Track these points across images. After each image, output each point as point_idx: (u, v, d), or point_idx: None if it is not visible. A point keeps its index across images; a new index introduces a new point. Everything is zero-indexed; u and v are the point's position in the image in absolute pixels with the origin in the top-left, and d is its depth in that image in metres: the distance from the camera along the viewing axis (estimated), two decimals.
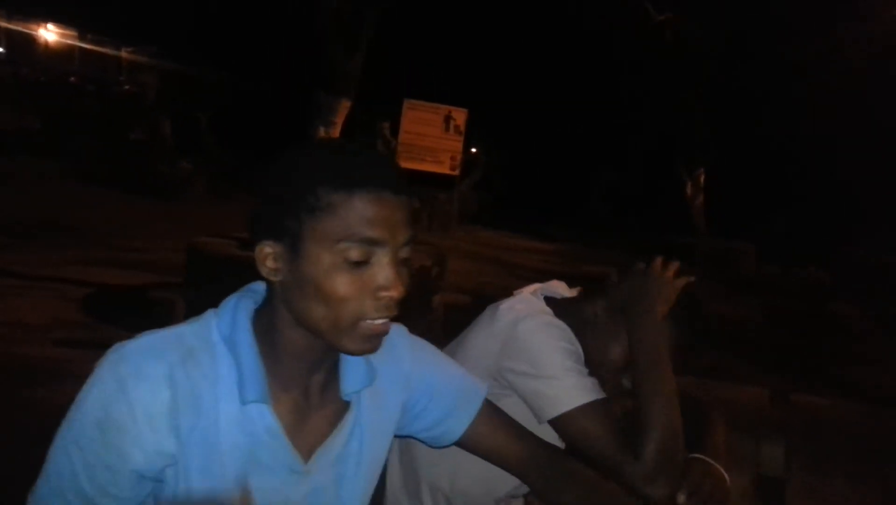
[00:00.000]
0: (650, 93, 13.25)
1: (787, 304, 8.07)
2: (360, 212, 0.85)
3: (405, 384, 1.08)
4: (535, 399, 1.22)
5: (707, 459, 1.25)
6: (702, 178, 13.35)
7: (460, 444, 1.13)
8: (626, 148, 15.51)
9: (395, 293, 0.88)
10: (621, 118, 14.77)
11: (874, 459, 1.74)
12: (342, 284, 0.86)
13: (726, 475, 1.25)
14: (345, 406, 1.00)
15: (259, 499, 0.91)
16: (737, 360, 4.72)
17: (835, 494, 1.51)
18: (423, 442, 1.15)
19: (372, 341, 0.91)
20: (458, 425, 1.10)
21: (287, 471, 0.92)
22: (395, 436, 1.10)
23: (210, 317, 0.94)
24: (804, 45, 10.26)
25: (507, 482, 1.36)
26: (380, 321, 0.89)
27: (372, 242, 0.86)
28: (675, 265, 1.32)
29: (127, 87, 20.77)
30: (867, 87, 10.32)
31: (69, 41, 21.64)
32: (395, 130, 11.76)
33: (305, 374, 0.95)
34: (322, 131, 6.72)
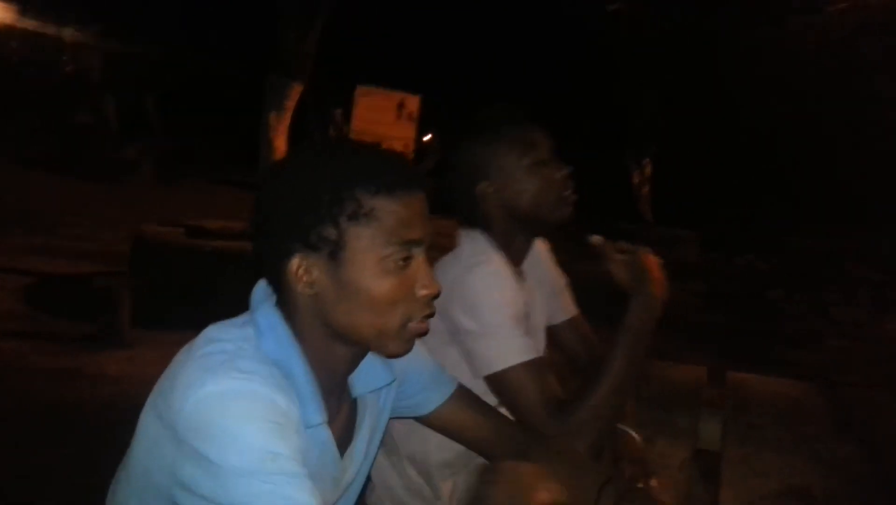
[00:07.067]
0: (600, 82, 13.42)
1: (727, 289, 8.32)
2: (400, 214, 0.85)
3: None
4: (473, 355, 1.26)
5: (625, 427, 1.35)
6: (648, 168, 13.61)
7: (428, 422, 1.14)
8: (574, 136, 15.68)
9: (434, 290, 0.89)
10: (570, 106, 14.92)
11: (801, 431, 1.85)
12: (390, 287, 0.85)
13: (638, 437, 1.34)
14: (354, 404, 1.00)
15: None
16: (677, 341, 4.87)
17: (765, 463, 1.59)
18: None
19: (413, 342, 0.91)
20: (427, 404, 1.11)
21: (332, 481, 0.93)
22: None
23: (249, 336, 0.86)
24: (751, 37, 10.50)
25: None
26: (423, 321, 0.89)
27: (413, 243, 0.86)
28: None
29: (70, 67, 20.05)
30: (813, 79, 10.62)
31: (8, 19, 20.73)
32: (347, 116, 11.66)
33: (338, 385, 0.95)
34: (273, 115, 6.62)
